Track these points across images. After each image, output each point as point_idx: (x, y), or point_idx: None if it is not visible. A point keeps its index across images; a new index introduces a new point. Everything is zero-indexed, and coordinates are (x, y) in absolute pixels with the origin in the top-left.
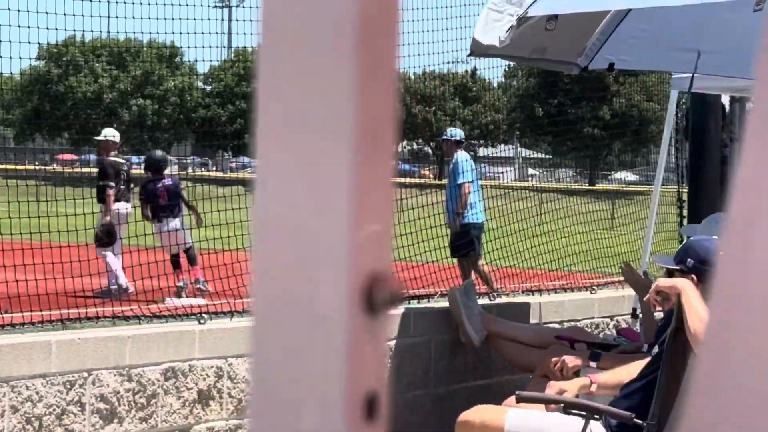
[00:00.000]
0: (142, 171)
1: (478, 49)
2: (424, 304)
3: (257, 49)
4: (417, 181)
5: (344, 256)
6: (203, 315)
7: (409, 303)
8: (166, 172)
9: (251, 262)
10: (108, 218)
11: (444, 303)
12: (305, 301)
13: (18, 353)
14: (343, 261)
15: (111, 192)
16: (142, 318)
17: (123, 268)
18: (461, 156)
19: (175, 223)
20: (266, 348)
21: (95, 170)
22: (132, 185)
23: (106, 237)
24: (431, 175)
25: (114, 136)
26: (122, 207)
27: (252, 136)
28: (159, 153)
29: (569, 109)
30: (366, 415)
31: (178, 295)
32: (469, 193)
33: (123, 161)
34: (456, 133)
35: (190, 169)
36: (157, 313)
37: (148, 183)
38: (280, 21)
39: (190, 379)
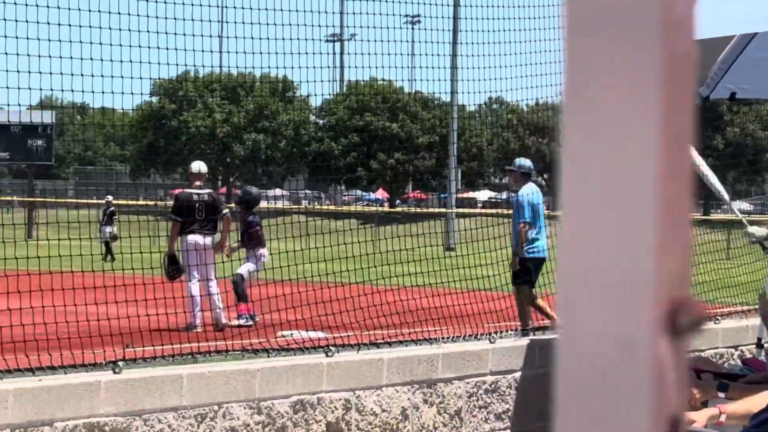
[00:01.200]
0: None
1: None
2: (549, 335)
3: (562, 90)
4: None
5: (650, 283)
6: (330, 347)
7: (534, 334)
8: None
9: (558, 288)
10: (170, 250)
11: None
12: (612, 325)
13: (150, 386)
14: (648, 288)
15: (174, 225)
16: (271, 351)
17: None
18: (526, 190)
19: (265, 252)
20: (573, 370)
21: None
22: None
23: (165, 269)
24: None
25: (194, 169)
26: (191, 238)
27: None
28: (256, 190)
29: None
30: None
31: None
32: (527, 231)
33: (203, 192)
34: (524, 164)
35: (305, 203)
36: (285, 346)
37: (249, 216)
38: (585, 57)
39: (318, 412)
